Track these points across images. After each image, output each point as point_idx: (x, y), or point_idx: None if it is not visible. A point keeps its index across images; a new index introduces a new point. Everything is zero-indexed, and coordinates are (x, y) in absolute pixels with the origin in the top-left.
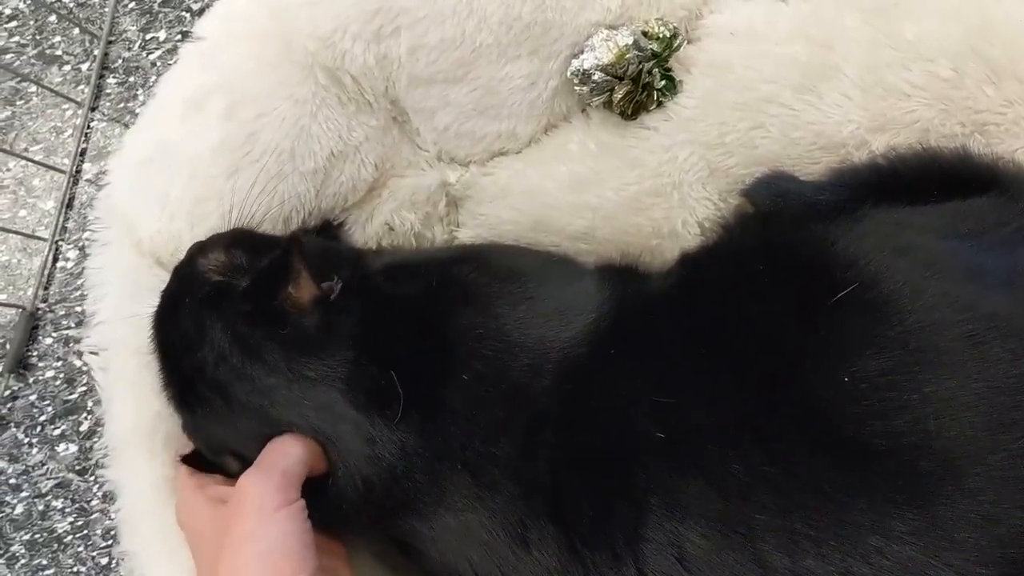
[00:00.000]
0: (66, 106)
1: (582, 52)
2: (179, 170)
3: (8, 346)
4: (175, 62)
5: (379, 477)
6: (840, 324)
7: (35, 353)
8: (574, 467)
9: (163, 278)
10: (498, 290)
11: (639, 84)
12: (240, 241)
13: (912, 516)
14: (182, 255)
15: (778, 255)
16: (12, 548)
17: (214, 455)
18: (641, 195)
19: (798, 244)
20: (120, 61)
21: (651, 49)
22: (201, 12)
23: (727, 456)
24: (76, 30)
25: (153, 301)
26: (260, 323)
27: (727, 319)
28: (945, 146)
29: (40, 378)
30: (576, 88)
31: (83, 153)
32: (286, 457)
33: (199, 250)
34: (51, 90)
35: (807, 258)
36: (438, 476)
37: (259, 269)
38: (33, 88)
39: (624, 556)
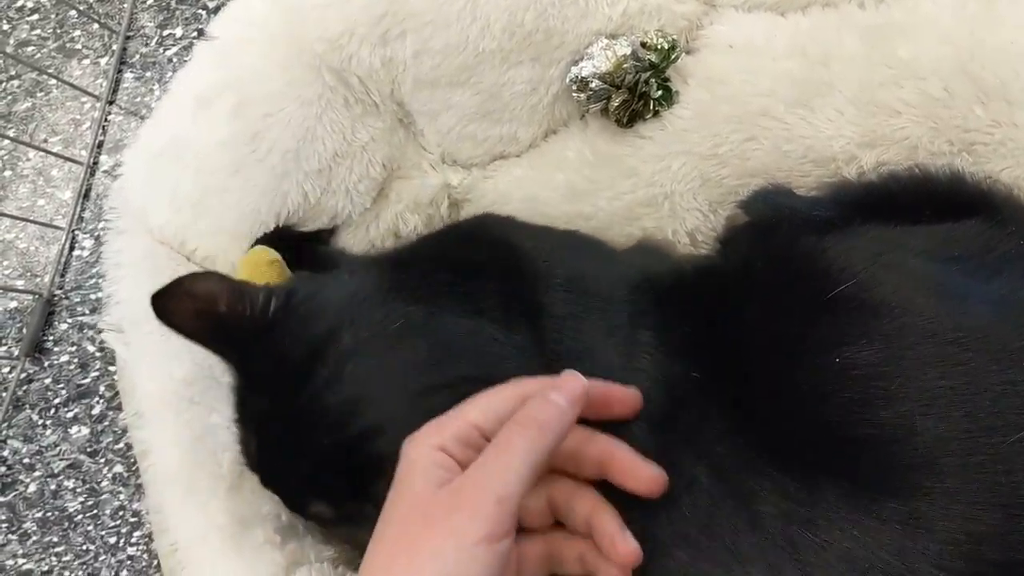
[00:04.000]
0: (84, 99)
1: (581, 60)
2: (187, 165)
3: (25, 331)
4: (190, 59)
5: None
6: (834, 318)
7: (51, 338)
8: None
9: (180, 261)
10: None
11: (636, 93)
12: None
13: (893, 505)
14: (189, 247)
15: (774, 262)
16: (24, 525)
17: None
18: (634, 205)
19: (793, 252)
20: (138, 56)
21: (649, 60)
22: (217, 10)
23: (736, 427)
24: (95, 25)
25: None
26: None
27: (727, 319)
28: (939, 167)
29: (55, 362)
30: (574, 95)
31: (100, 145)
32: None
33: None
34: (70, 84)
35: (803, 264)
36: None
37: None
38: (53, 81)
39: None
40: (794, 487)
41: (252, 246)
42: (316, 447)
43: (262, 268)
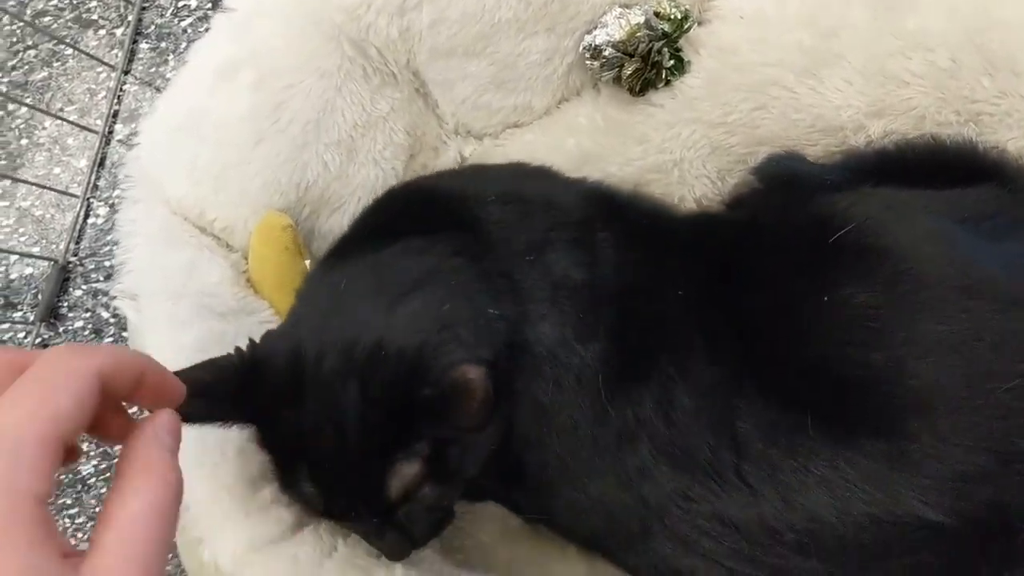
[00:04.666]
0: (100, 69)
1: (595, 28)
2: (207, 137)
3: (40, 297)
4: (206, 30)
5: None
6: (833, 260)
7: (65, 304)
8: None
9: (192, 232)
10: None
11: (648, 62)
12: None
13: (879, 443)
14: (208, 218)
15: (779, 211)
16: None
17: None
18: (644, 171)
19: (799, 202)
20: (153, 27)
21: (662, 29)
22: None
23: (725, 355)
24: None
25: (184, 252)
26: None
27: (738, 263)
28: (952, 138)
29: (70, 328)
30: (587, 62)
31: (115, 115)
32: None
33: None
34: (86, 53)
35: (808, 211)
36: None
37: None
38: (69, 51)
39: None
40: (778, 415)
41: None
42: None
43: (276, 233)
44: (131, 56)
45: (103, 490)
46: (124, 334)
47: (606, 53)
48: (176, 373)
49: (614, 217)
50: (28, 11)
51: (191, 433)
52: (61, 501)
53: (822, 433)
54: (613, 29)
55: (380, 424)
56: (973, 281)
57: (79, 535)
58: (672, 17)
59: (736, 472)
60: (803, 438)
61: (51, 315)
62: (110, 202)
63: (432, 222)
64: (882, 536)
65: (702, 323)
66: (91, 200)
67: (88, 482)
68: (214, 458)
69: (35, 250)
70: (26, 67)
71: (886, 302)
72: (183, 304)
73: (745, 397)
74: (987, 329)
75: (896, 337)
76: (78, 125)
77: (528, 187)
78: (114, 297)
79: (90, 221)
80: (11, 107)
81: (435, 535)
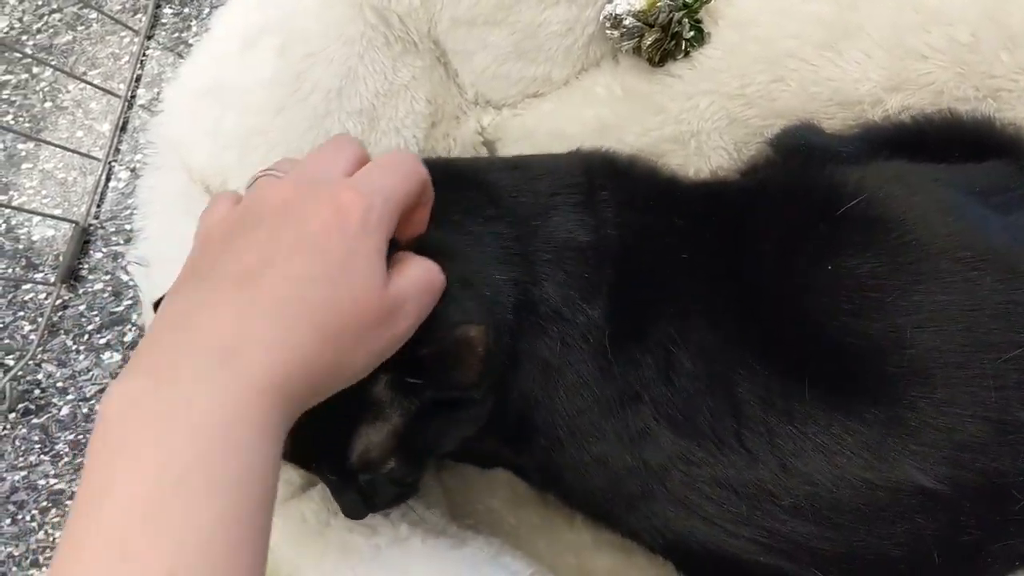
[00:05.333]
0: (124, 33)
1: None
2: (231, 104)
3: (61, 259)
4: None
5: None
6: (841, 231)
7: (86, 266)
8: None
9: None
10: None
11: (668, 32)
12: None
13: (876, 411)
14: (231, 186)
15: (793, 185)
16: (57, 447)
17: None
18: (661, 141)
19: (810, 172)
20: None
21: (683, 0)
22: None
23: (727, 319)
24: None
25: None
26: None
27: (743, 228)
28: (969, 113)
29: (89, 290)
30: (607, 31)
31: (138, 79)
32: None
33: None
34: (110, 17)
35: (818, 181)
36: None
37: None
38: (94, 15)
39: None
40: (777, 381)
41: None
42: None
43: None
44: (154, 21)
45: None
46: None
47: (626, 23)
48: None
49: (615, 177)
50: None
51: None
52: (78, 461)
53: (819, 399)
54: None
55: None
56: (976, 252)
57: None
58: None
59: (736, 436)
60: (800, 404)
61: (71, 277)
62: (131, 166)
63: (442, 186)
64: (877, 502)
65: (705, 286)
66: (113, 164)
67: None
68: None
69: (57, 212)
70: (51, 30)
71: (889, 272)
72: None
73: (745, 363)
74: (988, 299)
75: (897, 307)
76: (101, 89)
77: (533, 156)
78: (128, 259)
79: (111, 184)
80: (36, 70)
81: (395, 505)
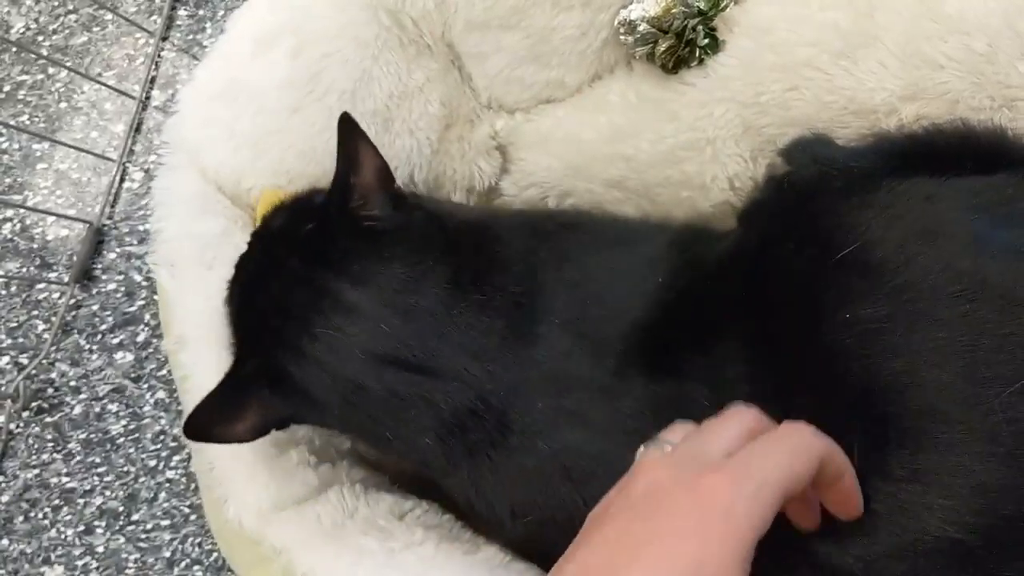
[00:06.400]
0: (139, 35)
1: (631, 3)
2: (246, 105)
3: (75, 258)
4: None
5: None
6: (841, 280)
7: (99, 266)
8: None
9: (226, 204)
10: (578, 243)
11: (682, 39)
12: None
13: (903, 458)
14: (245, 186)
15: (797, 222)
16: (69, 445)
17: None
18: (676, 148)
19: (811, 210)
20: None
21: (697, 7)
22: None
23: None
24: None
25: (215, 222)
26: (335, 240)
27: (754, 286)
28: (982, 124)
29: (103, 290)
30: (621, 37)
31: (152, 81)
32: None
33: (271, 213)
34: (125, 18)
35: (820, 224)
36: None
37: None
38: (109, 16)
39: None
40: None
41: None
42: None
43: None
44: (169, 23)
45: (132, 450)
46: (156, 297)
47: (640, 29)
48: None
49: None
50: None
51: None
52: (90, 460)
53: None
54: (648, 5)
55: None
56: (970, 284)
57: (107, 493)
58: None
59: None
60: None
61: (85, 276)
62: (145, 167)
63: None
64: (912, 567)
65: (716, 352)
66: (127, 164)
67: (117, 442)
68: None
69: (71, 212)
70: (66, 31)
71: (891, 314)
72: (216, 269)
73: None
74: (986, 332)
75: (903, 345)
76: (116, 90)
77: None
78: (147, 261)
79: (125, 185)
80: (51, 70)
81: None
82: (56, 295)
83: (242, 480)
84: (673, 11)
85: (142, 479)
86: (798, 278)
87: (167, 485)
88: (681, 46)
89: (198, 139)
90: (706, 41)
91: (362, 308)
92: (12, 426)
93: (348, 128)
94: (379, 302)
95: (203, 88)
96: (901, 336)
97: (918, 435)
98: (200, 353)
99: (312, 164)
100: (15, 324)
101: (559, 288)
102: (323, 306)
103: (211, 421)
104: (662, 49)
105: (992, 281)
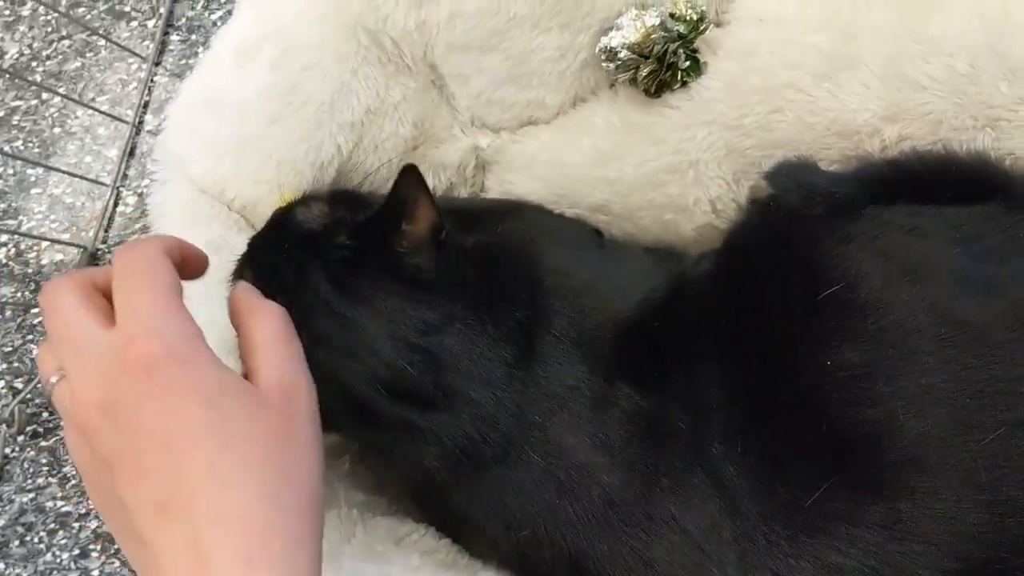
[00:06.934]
0: (131, 60)
1: (611, 30)
2: (229, 114)
3: None
4: (234, 14)
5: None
6: (824, 319)
7: None
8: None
9: (219, 209)
10: (576, 258)
11: (664, 64)
12: (343, 197)
13: (880, 508)
14: (229, 195)
15: (778, 252)
16: (64, 469)
17: None
18: (659, 171)
19: (795, 240)
20: (184, 19)
21: (677, 31)
22: None
23: (727, 435)
24: None
25: (211, 228)
26: (367, 269)
27: (736, 313)
28: (963, 148)
29: None
30: (603, 64)
31: (146, 105)
32: None
33: (301, 201)
34: (118, 44)
35: (801, 256)
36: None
37: (369, 215)
38: (102, 42)
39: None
40: (783, 494)
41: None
42: None
43: None
44: (162, 48)
45: None
46: None
47: (621, 55)
48: None
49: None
50: (63, 1)
51: None
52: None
53: (820, 507)
54: (628, 31)
55: None
56: (952, 327)
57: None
58: (688, 19)
59: (740, 557)
60: (805, 518)
61: None
62: (139, 191)
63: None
64: None
65: (697, 375)
66: (121, 189)
67: None
68: None
69: (65, 237)
70: (60, 57)
71: (873, 358)
72: (214, 279)
73: (756, 479)
74: (967, 378)
75: (885, 391)
76: (109, 115)
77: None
78: None
79: (119, 209)
80: (45, 96)
81: None
82: None
83: None
84: (653, 36)
85: None
86: (781, 314)
87: None
88: (663, 70)
89: (185, 150)
90: (687, 64)
91: (381, 345)
92: (7, 450)
93: (411, 179)
94: (403, 343)
95: (187, 100)
96: (883, 383)
97: (897, 484)
98: None
99: (292, 174)
100: (10, 349)
101: (555, 302)
102: (343, 337)
103: None
104: (644, 74)
105: (974, 322)
